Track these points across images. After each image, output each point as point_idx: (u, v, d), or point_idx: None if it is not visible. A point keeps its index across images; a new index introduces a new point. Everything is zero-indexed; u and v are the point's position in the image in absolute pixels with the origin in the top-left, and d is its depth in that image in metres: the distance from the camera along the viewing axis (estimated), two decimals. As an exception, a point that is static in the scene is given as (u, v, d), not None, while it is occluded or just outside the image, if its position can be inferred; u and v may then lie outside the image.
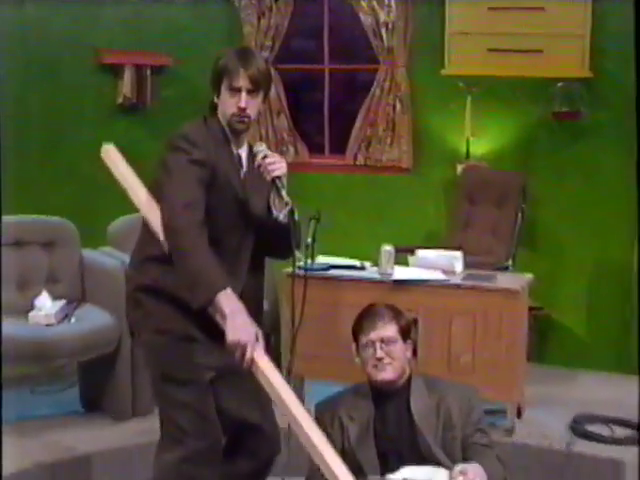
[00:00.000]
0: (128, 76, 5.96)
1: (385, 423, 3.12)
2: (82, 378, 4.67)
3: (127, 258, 3.45)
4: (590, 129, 5.57)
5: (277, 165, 2.94)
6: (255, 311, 2.90)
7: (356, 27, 6.12)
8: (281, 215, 2.97)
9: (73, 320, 4.40)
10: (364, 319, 3.20)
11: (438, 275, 4.42)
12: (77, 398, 4.63)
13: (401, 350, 3.15)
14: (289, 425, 2.78)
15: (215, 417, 2.99)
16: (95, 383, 4.57)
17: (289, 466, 2.94)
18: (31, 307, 4.40)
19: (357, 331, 3.20)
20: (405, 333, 3.19)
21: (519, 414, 4.44)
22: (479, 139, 5.78)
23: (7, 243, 4.54)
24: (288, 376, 2.94)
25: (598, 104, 5.51)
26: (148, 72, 6.05)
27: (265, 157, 2.95)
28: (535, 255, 5.64)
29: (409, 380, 3.18)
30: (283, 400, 2.74)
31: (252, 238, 3.04)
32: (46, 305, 4.41)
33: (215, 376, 3.00)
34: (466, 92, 5.71)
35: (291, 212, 2.93)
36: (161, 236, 2.88)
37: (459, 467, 2.85)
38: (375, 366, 3.12)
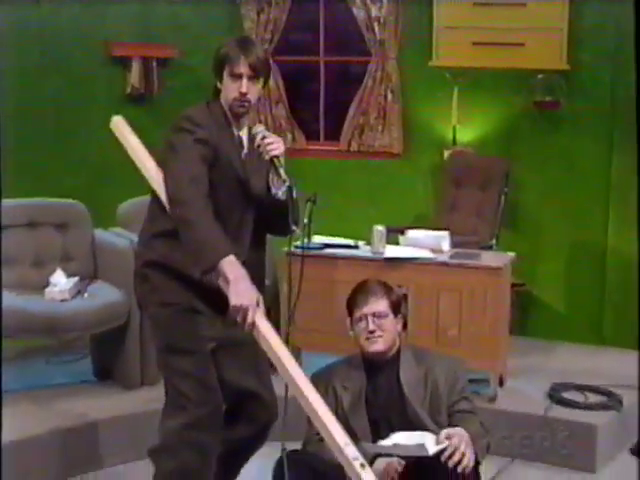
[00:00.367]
0: (136, 68, 5.94)
1: (376, 392, 3.12)
2: (94, 350, 4.67)
3: (135, 237, 3.46)
4: (568, 118, 5.55)
5: (275, 145, 2.92)
6: (257, 284, 2.85)
7: (350, 21, 6.08)
8: (279, 192, 2.96)
9: (86, 296, 4.40)
10: (357, 295, 3.18)
11: (427, 254, 4.41)
12: (89, 368, 4.63)
13: (392, 324, 3.14)
14: (285, 390, 2.78)
15: (216, 385, 2.98)
16: (106, 354, 4.56)
17: (286, 431, 2.92)
18: (46, 284, 4.38)
19: (351, 306, 3.19)
20: (396, 308, 3.18)
21: (501, 383, 4.44)
22: (465, 127, 5.77)
23: (22, 224, 4.54)
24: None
25: (576, 95, 5.49)
26: (155, 64, 6.02)
27: (264, 138, 2.93)
28: (517, 235, 5.63)
29: (399, 352, 3.17)
30: (282, 361, 2.72)
31: (253, 215, 3.01)
32: (60, 282, 4.40)
33: (216, 347, 2.99)
34: (453, 83, 5.69)
35: (289, 189, 2.91)
36: (167, 205, 2.85)
37: (445, 432, 2.85)
38: (367, 339, 3.11)
